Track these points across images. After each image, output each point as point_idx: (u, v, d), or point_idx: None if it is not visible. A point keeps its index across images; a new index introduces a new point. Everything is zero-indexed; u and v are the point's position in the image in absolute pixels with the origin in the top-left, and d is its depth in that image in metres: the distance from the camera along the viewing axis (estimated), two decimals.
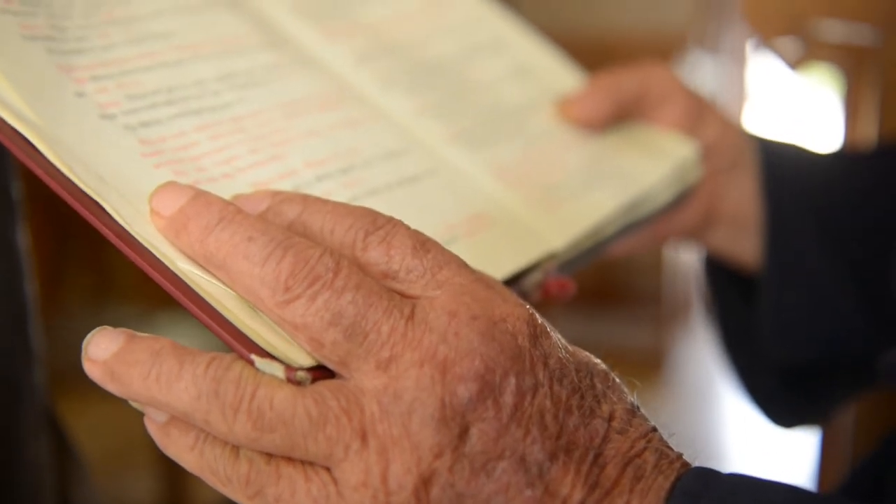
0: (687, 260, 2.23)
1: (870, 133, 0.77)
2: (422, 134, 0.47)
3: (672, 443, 0.34)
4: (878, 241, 0.59)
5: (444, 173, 0.45)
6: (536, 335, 0.33)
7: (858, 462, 0.57)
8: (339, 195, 0.39)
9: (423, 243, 0.34)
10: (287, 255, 0.32)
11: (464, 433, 0.31)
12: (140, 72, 0.40)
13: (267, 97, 0.42)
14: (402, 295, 0.33)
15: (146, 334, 0.32)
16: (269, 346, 0.32)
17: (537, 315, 0.34)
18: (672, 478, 0.33)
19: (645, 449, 0.33)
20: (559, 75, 0.57)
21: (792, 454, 1.69)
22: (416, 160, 0.44)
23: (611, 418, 0.33)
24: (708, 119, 0.58)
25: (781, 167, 0.59)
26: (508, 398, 0.32)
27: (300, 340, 0.32)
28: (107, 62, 0.39)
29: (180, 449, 0.33)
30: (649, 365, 2.18)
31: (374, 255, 0.33)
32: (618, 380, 0.35)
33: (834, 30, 0.78)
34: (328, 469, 0.31)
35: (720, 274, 0.63)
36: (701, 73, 2.15)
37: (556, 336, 0.34)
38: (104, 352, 0.32)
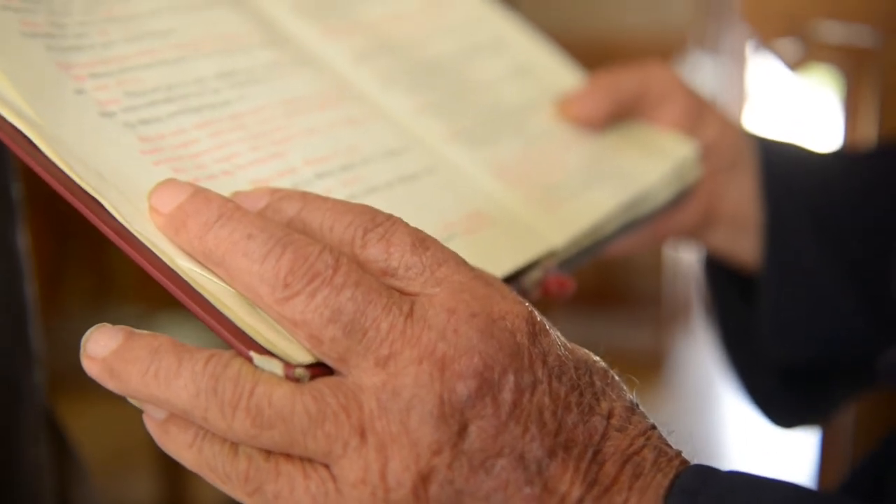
0: (687, 261, 2.23)
1: (869, 134, 0.77)
2: (421, 132, 0.47)
3: (671, 441, 0.34)
4: (877, 241, 0.59)
5: (443, 171, 0.45)
6: (535, 333, 0.33)
7: (858, 462, 0.57)
8: (339, 193, 0.39)
9: (422, 240, 0.34)
10: (286, 251, 0.32)
11: (462, 430, 0.31)
12: (140, 69, 0.40)
13: (267, 95, 0.42)
14: (402, 292, 0.33)
15: (145, 331, 0.32)
16: (267, 343, 0.32)
17: (536, 312, 0.34)
18: (671, 475, 0.33)
19: (644, 446, 0.33)
20: (559, 75, 0.57)
21: (792, 454, 1.69)
22: (415, 158, 0.44)
23: (610, 416, 0.33)
24: (707, 119, 0.58)
25: (781, 167, 0.59)
26: (507, 395, 0.32)
27: (299, 337, 0.32)
28: (106, 59, 0.39)
29: (179, 446, 0.33)
30: (649, 366, 2.18)
31: (374, 253, 0.33)
32: (617, 377, 0.35)
33: (834, 31, 0.78)
34: (327, 466, 0.32)
35: (720, 274, 0.63)
36: (701, 73, 2.15)
37: (555, 333, 0.34)
38: (103, 349, 0.32)
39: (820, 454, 0.79)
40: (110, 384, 0.32)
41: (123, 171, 0.35)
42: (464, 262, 0.34)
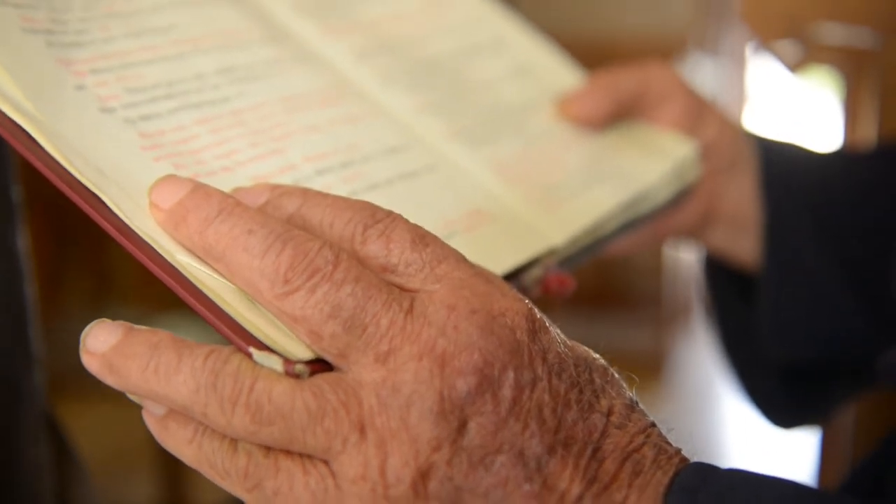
0: (687, 262, 2.23)
1: (869, 136, 0.77)
2: (422, 131, 0.47)
3: (671, 438, 0.34)
4: (877, 241, 0.59)
5: (443, 169, 0.45)
6: (535, 330, 0.33)
7: (858, 462, 0.57)
8: (339, 189, 0.39)
9: (422, 237, 0.34)
10: (286, 247, 0.32)
11: (462, 427, 0.31)
12: (140, 65, 0.40)
13: (267, 91, 0.42)
14: (402, 288, 0.33)
15: (144, 327, 0.32)
16: (267, 339, 0.32)
17: (536, 310, 0.34)
18: (671, 473, 0.33)
19: (644, 444, 0.33)
20: (559, 74, 0.57)
21: (792, 455, 1.69)
22: (416, 156, 0.44)
23: (609, 413, 0.33)
24: (707, 118, 0.58)
25: (780, 166, 0.59)
26: (507, 392, 0.32)
27: (299, 333, 0.32)
28: (107, 55, 0.39)
29: (178, 442, 0.33)
30: (649, 367, 2.18)
31: (374, 249, 0.33)
32: (616, 375, 0.35)
33: (833, 33, 0.78)
34: (326, 462, 0.31)
35: (719, 273, 0.63)
36: (700, 75, 2.15)
37: (555, 331, 0.34)
38: (102, 344, 0.32)
39: (820, 454, 0.79)
40: (110, 380, 0.32)
41: (124, 167, 0.35)
42: (464, 259, 0.34)
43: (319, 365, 0.32)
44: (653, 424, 0.34)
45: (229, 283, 0.33)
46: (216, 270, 0.33)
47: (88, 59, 0.38)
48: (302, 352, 0.32)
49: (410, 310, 0.32)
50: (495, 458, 0.31)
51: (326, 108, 0.43)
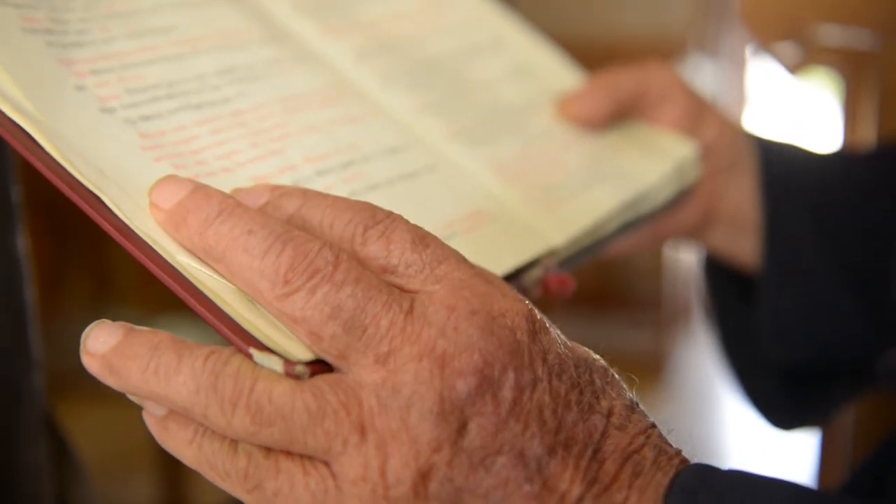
0: (687, 263, 2.23)
1: (869, 137, 0.77)
2: (422, 131, 0.47)
3: (671, 439, 0.34)
4: (877, 242, 0.59)
5: (443, 170, 0.45)
6: (535, 330, 0.33)
7: (858, 463, 0.57)
8: (339, 190, 0.39)
9: (422, 238, 0.34)
10: (286, 248, 0.32)
11: (462, 428, 0.31)
12: (140, 65, 0.40)
13: (267, 92, 0.42)
14: (402, 289, 0.33)
15: (144, 328, 0.32)
16: (267, 339, 0.32)
17: (536, 310, 0.34)
18: (671, 474, 0.33)
19: (644, 445, 0.33)
20: (559, 75, 0.57)
21: (792, 456, 1.69)
22: (416, 156, 0.44)
23: (610, 414, 0.33)
24: (707, 119, 0.58)
25: (780, 167, 0.59)
26: (507, 393, 0.32)
27: (299, 334, 0.32)
28: (107, 56, 0.39)
29: (179, 443, 0.33)
30: (649, 368, 2.18)
31: (374, 250, 0.33)
32: (617, 376, 0.35)
33: (833, 34, 0.78)
34: (327, 463, 0.31)
35: (719, 274, 0.63)
36: (700, 76, 2.15)
37: (555, 332, 0.34)
38: (103, 345, 0.32)
39: (820, 456, 0.79)
40: (110, 380, 0.32)
41: (124, 168, 0.35)
42: (464, 260, 0.34)
43: (320, 366, 0.32)
44: (653, 425, 0.34)
45: (229, 284, 0.33)
46: (216, 271, 0.33)
47: (89, 59, 0.38)
48: (302, 353, 0.32)
49: (410, 311, 0.32)
50: (496, 459, 0.31)
51: (326, 109, 0.43)
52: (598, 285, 2.17)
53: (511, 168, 0.48)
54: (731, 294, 0.62)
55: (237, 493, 0.32)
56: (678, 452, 0.34)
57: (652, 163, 0.54)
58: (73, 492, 0.54)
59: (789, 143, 0.62)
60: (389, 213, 0.34)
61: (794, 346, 0.59)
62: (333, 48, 0.49)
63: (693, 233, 0.59)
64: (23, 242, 0.47)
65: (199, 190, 0.33)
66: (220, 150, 0.38)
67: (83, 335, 0.32)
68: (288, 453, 0.32)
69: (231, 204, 0.33)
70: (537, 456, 0.32)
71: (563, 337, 0.34)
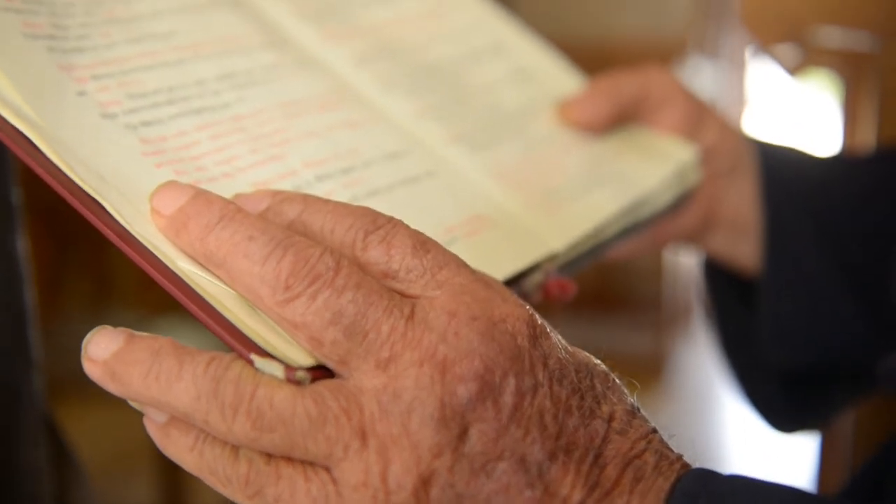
0: (687, 265, 2.23)
1: (868, 139, 0.77)
2: (422, 135, 0.47)
3: (672, 445, 0.34)
4: (877, 246, 0.59)
5: (444, 174, 0.45)
6: (536, 336, 0.33)
7: (858, 467, 0.57)
8: (340, 195, 0.39)
9: (423, 243, 0.34)
10: (287, 253, 0.32)
11: (463, 433, 0.31)
12: (141, 71, 0.40)
13: (267, 97, 0.42)
14: (402, 294, 0.33)
15: (146, 334, 0.32)
16: (268, 345, 0.32)
17: (537, 315, 0.34)
18: (672, 479, 0.33)
19: (645, 450, 0.33)
20: (559, 79, 0.57)
21: (792, 459, 1.69)
22: (416, 161, 0.44)
23: (611, 419, 0.33)
24: (707, 122, 0.58)
25: (781, 171, 0.59)
26: (508, 398, 0.32)
27: (300, 339, 0.32)
28: (108, 61, 0.39)
29: (180, 449, 0.33)
30: (649, 370, 2.18)
31: (375, 255, 0.33)
32: (618, 381, 0.35)
33: (832, 36, 0.78)
34: (328, 469, 0.31)
35: (719, 277, 0.63)
36: (700, 78, 2.15)
37: (556, 337, 0.34)
38: (104, 351, 0.32)
39: (820, 459, 0.79)
40: (111, 387, 0.32)
41: (125, 173, 0.35)
42: (464, 265, 0.34)
43: (321, 371, 0.32)
44: (654, 430, 0.34)
45: (230, 290, 0.33)
46: (217, 277, 0.33)
47: (90, 64, 0.38)
48: (303, 358, 0.32)
49: (411, 316, 0.32)
50: (497, 464, 0.31)
51: (326, 114, 0.43)
52: (598, 287, 2.17)
53: (511, 173, 0.48)
54: (732, 297, 0.62)
55: (238, 498, 0.32)
56: (679, 457, 0.34)
57: (652, 167, 0.54)
58: (73, 493, 0.54)
59: (789, 146, 0.62)
60: (390, 219, 0.34)
61: (794, 350, 0.59)
62: (333, 53, 0.49)
63: (693, 237, 0.59)
64: (23, 244, 0.47)
65: (200, 196, 0.33)
66: (220, 156, 0.38)
67: (84, 341, 0.32)
68: (289, 459, 0.32)
69: (232, 210, 0.33)
70: (538, 461, 0.32)
71: (563, 342, 0.34)
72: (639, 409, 0.34)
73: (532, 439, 0.32)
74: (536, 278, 0.43)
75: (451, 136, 0.48)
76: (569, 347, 0.34)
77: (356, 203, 0.36)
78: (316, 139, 0.42)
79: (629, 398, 0.34)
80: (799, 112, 2.58)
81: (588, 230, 0.47)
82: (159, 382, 0.31)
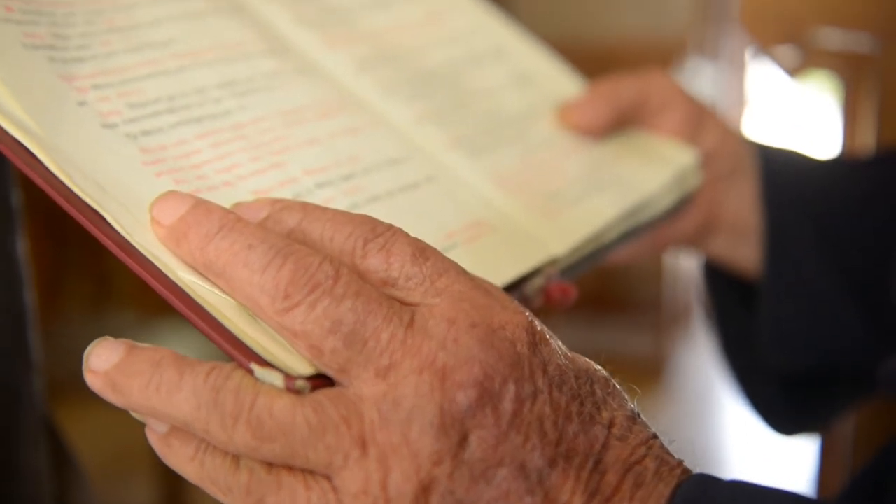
0: (687, 267, 2.23)
1: (868, 140, 0.77)
2: (422, 141, 0.47)
3: (672, 450, 0.34)
4: (877, 249, 0.59)
5: (444, 180, 0.45)
6: (535, 342, 0.33)
7: (858, 470, 0.57)
8: (340, 202, 0.39)
9: (422, 251, 0.34)
10: (287, 262, 0.32)
11: (463, 440, 0.31)
12: (141, 80, 0.39)
13: (267, 104, 0.42)
14: (402, 302, 0.33)
15: (146, 345, 0.32)
16: (268, 354, 0.32)
17: (537, 322, 0.34)
18: (672, 485, 0.33)
19: (645, 456, 0.33)
20: (559, 83, 0.57)
21: (792, 462, 1.69)
22: (416, 167, 0.44)
23: (611, 425, 0.33)
24: (708, 126, 0.58)
25: (781, 174, 0.59)
26: (507, 405, 0.32)
27: (300, 348, 0.32)
28: (108, 70, 0.39)
29: (181, 459, 0.33)
30: (649, 372, 2.18)
31: (374, 263, 0.33)
32: (618, 386, 0.35)
33: (832, 37, 0.78)
34: (328, 477, 0.31)
35: (720, 280, 0.63)
36: (700, 80, 2.16)
37: (556, 343, 0.34)
38: (105, 363, 0.32)
39: (820, 462, 0.79)
40: (113, 398, 0.32)
41: (125, 183, 0.35)
42: (464, 272, 0.34)
43: (320, 380, 0.32)
44: (654, 436, 0.34)
45: (230, 299, 0.33)
46: (217, 286, 0.33)
47: (90, 74, 0.38)
48: (303, 367, 0.32)
49: (411, 324, 0.32)
50: (496, 471, 0.31)
51: (327, 121, 0.43)
52: (598, 289, 2.17)
53: (511, 177, 0.48)
54: (732, 300, 0.62)
55: None
56: (680, 463, 0.34)
57: (652, 171, 0.54)
58: (73, 494, 0.54)
59: (790, 149, 0.62)
60: (389, 226, 0.34)
61: (794, 353, 0.59)
62: (334, 59, 0.49)
63: (693, 240, 0.59)
64: (22, 246, 0.47)
65: (200, 205, 0.33)
66: (220, 164, 0.38)
67: (85, 353, 0.32)
68: (289, 468, 0.32)
69: (232, 219, 0.33)
70: (538, 468, 0.32)
71: (563, 348, 0.34)
72: (639, 415, 0.34)
73: (532, 446, 0.32)
74: (537, 283, 0.43)
75: (452, 140, 0.48)
76: (568, 353, 0.34)
77: (356, 210, 0.36)
78: (316, 146, 0.42)
79: (629, 404, 0.34)
80: (799, 113, 2.58)
81: (588, 234, 0.47)
82: (160, 393, 0.31)
